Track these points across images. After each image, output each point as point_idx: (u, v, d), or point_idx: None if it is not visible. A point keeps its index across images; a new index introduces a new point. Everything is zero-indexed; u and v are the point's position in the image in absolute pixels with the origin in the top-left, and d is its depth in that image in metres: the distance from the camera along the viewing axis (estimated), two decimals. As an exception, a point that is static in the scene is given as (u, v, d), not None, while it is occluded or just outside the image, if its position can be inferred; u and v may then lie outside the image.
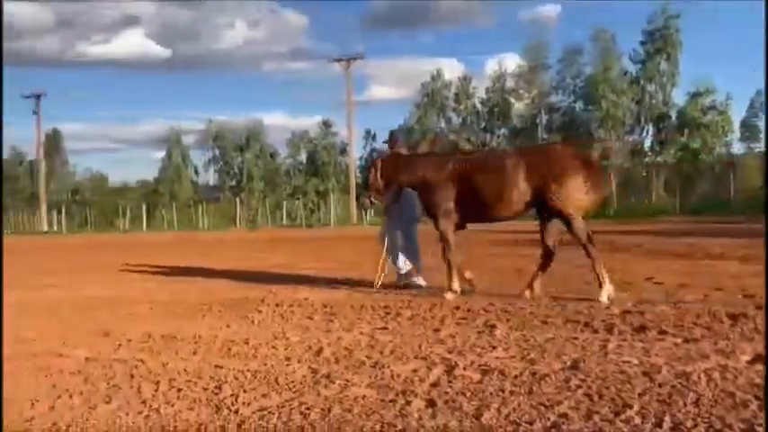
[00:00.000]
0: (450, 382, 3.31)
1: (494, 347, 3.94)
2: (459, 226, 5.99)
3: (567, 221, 5.46)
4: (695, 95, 34.24)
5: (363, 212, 30.85)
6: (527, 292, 5.72)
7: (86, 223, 40.92)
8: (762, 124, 42.61)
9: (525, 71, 38.87)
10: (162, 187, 45.32)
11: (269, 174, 45.54)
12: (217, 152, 47.22)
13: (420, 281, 6.67)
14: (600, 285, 5.36)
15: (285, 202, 39.31)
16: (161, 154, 48.01)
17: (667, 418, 2.67)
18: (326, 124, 46.09)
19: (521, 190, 5.54)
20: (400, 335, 4.42)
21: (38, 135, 42.15)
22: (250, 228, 33.23)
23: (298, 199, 40.18)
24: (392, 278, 6.79)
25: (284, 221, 36.91)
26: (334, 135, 46.06)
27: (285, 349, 4.18)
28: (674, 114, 35.83)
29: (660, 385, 3.08)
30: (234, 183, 45.84)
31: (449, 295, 5.83)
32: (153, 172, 48.96)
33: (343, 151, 44.34)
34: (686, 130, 34.44)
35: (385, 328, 4.66)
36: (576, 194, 5.41)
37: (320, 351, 4.07)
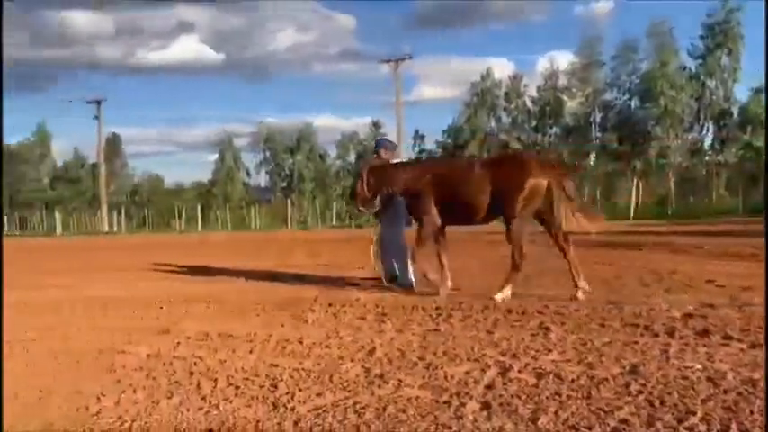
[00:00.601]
0: (504, 384, 3.27)
1: (549, 350, 3.88)
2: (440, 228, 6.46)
3: (508, 226, 5.93)
4: (758, 91, 32.77)
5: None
6: (579, 293, 5.74)
7: (144, 224, 42.56)
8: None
9: (578, 68, 38.04)
10: (215, 189, 46.54)
11: (319, 175, 46.14)
12: (268, 154, 48.18)
13: (411, 277, 6.86)
14: (501, 287, 5.86)
15: (335, 203, 39.71)
16: (214, 156, 49.30)
17: (733, 426, 2.57)
18: (376, 125, 46.37)
19: (485, 196, 6.02)
20: (452, 336, 4.41)
21: (99, 139, 44.03)
22: (301, 228, 33.69)
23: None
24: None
25: (334, 222, 37.29)
26: (384, 136, 46.36)
27: (338, 349, 4.22)
28: (735, 111, 34.44)
29: (725, 392, 2.97)
30: (285, 184, 46.66)
31: (441, 292, 6.22)
32: (207, 174, 50.43)
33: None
34: (749, 128, 33.02)
35: (437, 330, 4.65)
36: (521, 203, 5.84)
37: (373, 351, 4.09)
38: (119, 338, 4.94)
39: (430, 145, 44.31)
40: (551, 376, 3.34)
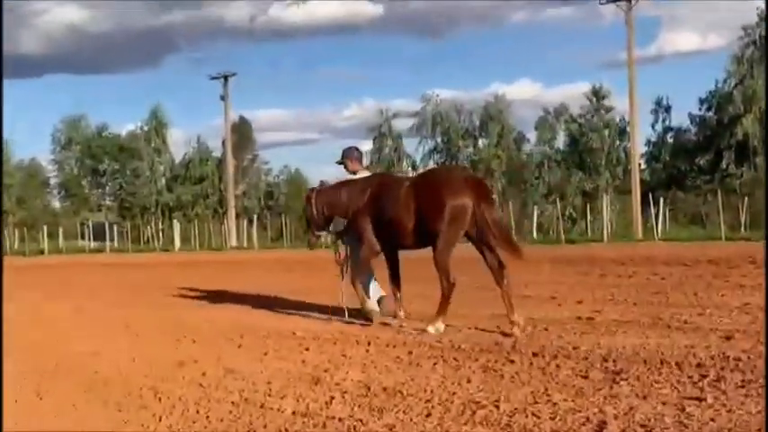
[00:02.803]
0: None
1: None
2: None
3: (433, 248, 7.26)
4: None
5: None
6: (514, 329, 6.87)
7: (281, 236, 43.88)
8: None
9: None
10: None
11: (512, 167, 46.05)
12: (440, 140, 49.12)
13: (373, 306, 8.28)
14: (432, 320, 7.25)
15: (536, 207, 39.11)
16: (368, 145, 51.15)
17: None
18: (596, 94, 45.11)
19: (411, 218, 7.40)
20: (726, 410, 4.14)
21: (226, 125, 46.80)
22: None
23: (553, 202, 39.84)
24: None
25: (534, 235, 36.41)
26: (609, 110, 44.92)
27: (552, 419, 4.17)
28: None
29: None
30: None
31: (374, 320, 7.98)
32: (359, 169, 52.45)
33: (622, 132, 42.96)
34: None
35: (700, 399, 4.40)
36: (443, 226, 7.11)
37: (603, 426, 3.98)
38: (259, 386, 5.32)
39: (680, 119, 42.30)
40: None
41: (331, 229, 8.43)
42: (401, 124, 51.63)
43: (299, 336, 7.46)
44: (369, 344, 6.80)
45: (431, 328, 7.11)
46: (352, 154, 8.97)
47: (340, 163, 8.99)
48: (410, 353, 6.31)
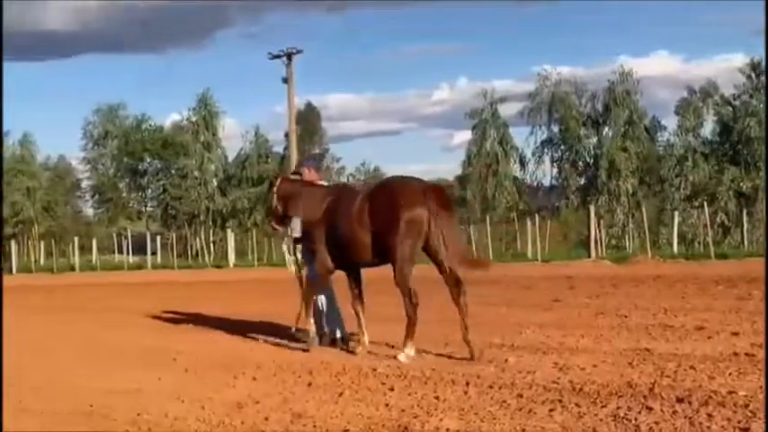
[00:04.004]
0: None
1: None
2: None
3: (392, 265, 8.21)
4: None
5: None
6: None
7: None
8: None
9: None
10: (468, 188, 48.05)
11: (645, 162, 45.23)
12: (555, 129, 48.61)
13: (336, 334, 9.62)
14: (403, 346, 8.21)
15: (676, 212, 38.32)
16: (466, 134, 50.94)
17: None
18: (755, 69, 44.02)
19: (367, 232, 8.32)
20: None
21: (290, 114, 47.23)
22: (615, 258, 33.18)
23: (699, 207, 38.94)
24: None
25: (674, 247, 35.60)
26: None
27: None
28: None
29: None
30: (583, 180, 46.39)
31: (307, 338, 9.25)
32: (452, 164, 52.34)
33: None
34: None
35: None
36: (407, 239, 8.02)
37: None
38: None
39: None
40: None
41: (289, 231, 9.36)
42: (507, 110, 51.21)
43: (380, 373, 7.53)
44: (467, 384, 6.82)
45: (401, 356, 8.09)
46: (311, 164, 9.98)
47: (296, 173, 10.09)
48: (519, 396, 6.29)
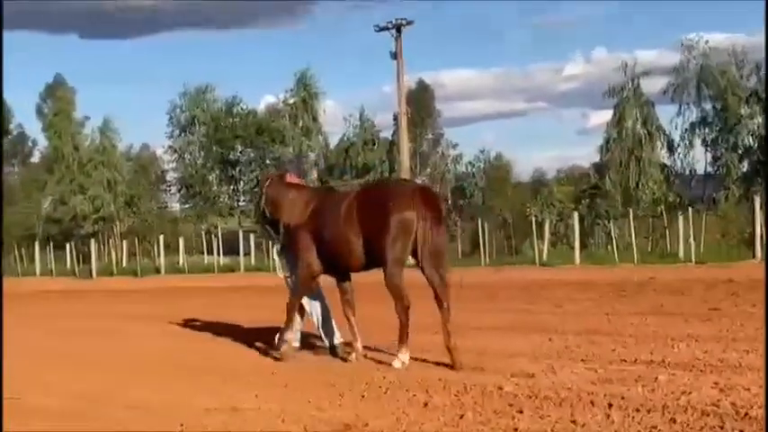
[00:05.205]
0: None
1: None
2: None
3: (383, 269, 9.09)
4: None
5: None
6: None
7: (476, 249, 44.07)
8: None
9: None
10: (608, 177, 47.20)
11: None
12: (709, 107, 47.39)
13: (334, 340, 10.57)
14: (397, 352, 9.15)
15: None
16: (605, 114, 50.17)
17: None
18: None
19: (355, 235, 9.23)
20: None
21: (399, 94, 47.18)
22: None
23: None
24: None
25: None
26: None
27: None
28: None
29: None
30: (745, 167, 45.26)
31: (283, 348, 10.13)
32: (588, 149, 51.69)
33: None
34: None
35: None
36: (397, 241, 8.90)
37: None
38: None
39: None
40: None
41: (279, 236, 10.39)
42: (652, 85, 50.10)
43: (507, 392, 7.51)
44: (609, 406, 6.73)
45: (396, 363, 9.04)
46: (293, 169, 10.61)
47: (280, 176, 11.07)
48: (672, 421, 6.22)
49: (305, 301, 10.58)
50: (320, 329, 10.67)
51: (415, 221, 8.87)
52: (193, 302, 22.09)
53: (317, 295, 10.67)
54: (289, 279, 10.64)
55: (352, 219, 9.28)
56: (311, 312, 10.70)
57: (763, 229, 29.54)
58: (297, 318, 10.43)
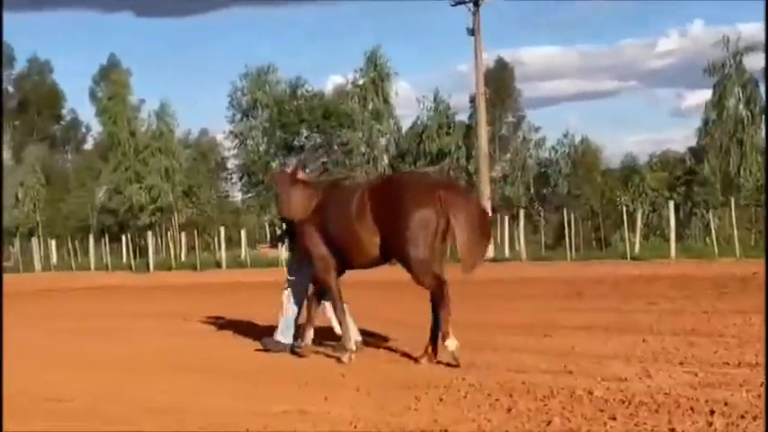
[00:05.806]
0: None
1: None
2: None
3: (407, 268, 9.34)
4: None
5: None
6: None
7: (561, 241, 43.85)
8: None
9: None
10: (707, 162, 46.71)
11: None
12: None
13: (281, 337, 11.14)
14: (444, 336, 9.28)
15: None
16: (704, 94, 49.50)
17: None
18: None
19: (370, 232, 9.43)
20: None
21: (477, 74, 47.30)
22: None
23: None
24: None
25: None
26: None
27: None
28: None
29: None
30: None
31: (345, 357, 10.09)
32: (685, 132, 50.97)
33: None
34: None
35: None
36: (419, 235, 9.04)
37: None
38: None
39: None
40: None
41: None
42: (756, 62, 49.18)
43: (598, 397, 7.44)
44: (711, 413, 6.64)
45: (451, 344, 9.17)
46: (298, 167, 11.27)
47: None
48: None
49: (285, 294, 11.17)
50: (284, 328, 11.15)
51: (435, 219, 9.09)
52: (252, 297, 22.22)
53: (300, 295, 11.08)
54: (289, 279, 11.17)
55: (364, 213, 9.51)
56: (287, 307, 11.16)
57: None
58: (348, 317, 10.61)
